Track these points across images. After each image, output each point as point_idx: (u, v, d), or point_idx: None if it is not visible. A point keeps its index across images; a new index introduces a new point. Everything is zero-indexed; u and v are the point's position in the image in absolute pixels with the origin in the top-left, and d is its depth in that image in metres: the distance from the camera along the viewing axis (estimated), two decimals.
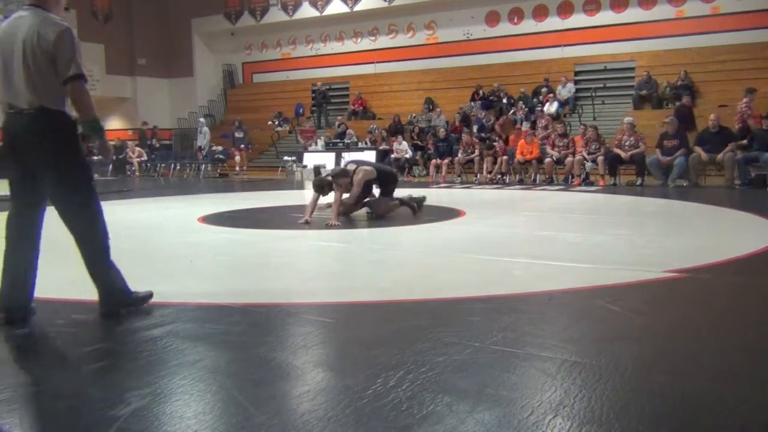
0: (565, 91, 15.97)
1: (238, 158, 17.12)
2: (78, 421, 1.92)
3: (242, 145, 17.61)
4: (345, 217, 6.74)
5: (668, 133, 10.92)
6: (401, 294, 3.47)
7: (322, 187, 6.64)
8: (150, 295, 3.21)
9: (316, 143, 16.76)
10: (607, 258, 4.43)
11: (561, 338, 2.66)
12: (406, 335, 2.69)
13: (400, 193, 7.28)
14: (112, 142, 20.62)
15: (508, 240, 5.51)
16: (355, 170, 6.79)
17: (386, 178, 7.10)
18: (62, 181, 2.90)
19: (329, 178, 6.70)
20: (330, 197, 6.69)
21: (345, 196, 6.72)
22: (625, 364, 2.29)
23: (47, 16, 2.89)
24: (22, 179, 2.94)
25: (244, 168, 17.29)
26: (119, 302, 3.08)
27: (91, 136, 2.99)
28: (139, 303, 3.16)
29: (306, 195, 11.65)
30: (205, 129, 18.09)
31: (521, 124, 14.78)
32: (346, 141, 16.10)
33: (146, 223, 7.14)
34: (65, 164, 2.90)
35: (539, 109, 15.18)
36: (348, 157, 15.19)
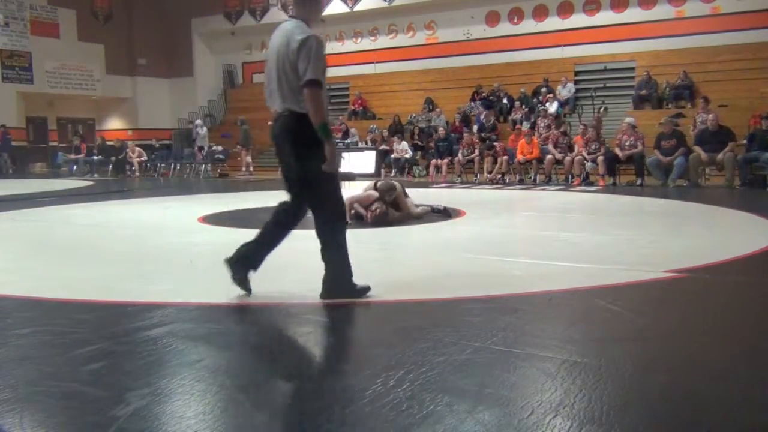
0: (565, 91, 15.97)
1: (248, 158, 16.94)
2: (78, 421, 1.92)
3: (238, 145, 17.52)
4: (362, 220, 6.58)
5: (665, 133, 10.92)
6: (401, 294, 3.47)
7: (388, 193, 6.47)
8: (368, 288, 3.30)
9: None
10: (607, 258, 4.43)
11: (561, 338, 2.65)
12: (406, 335, 2.69)
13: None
14: (110, 143, 20.42)
15: (508, 240, 5.50)
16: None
17: None
18: (300, 176, 3.17)
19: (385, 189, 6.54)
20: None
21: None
22: (625, 364, 2.29)
23: (297, 26, 3.14)
24: (284, 173, 3.31)
25: (250, 168, 17.06)
26: (340, 291, 3.21)
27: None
28: (359, 295, 3.26)
29: None
30: (203, 129, 18.04)
31: (521, 124, 14.78)
32: (347, 141, 16.10)
33: (146, 223, 7.13)
34: (302, 161, 3.12)
35: (541, 108, 15.17)
36: (347, 157, 15.21)
